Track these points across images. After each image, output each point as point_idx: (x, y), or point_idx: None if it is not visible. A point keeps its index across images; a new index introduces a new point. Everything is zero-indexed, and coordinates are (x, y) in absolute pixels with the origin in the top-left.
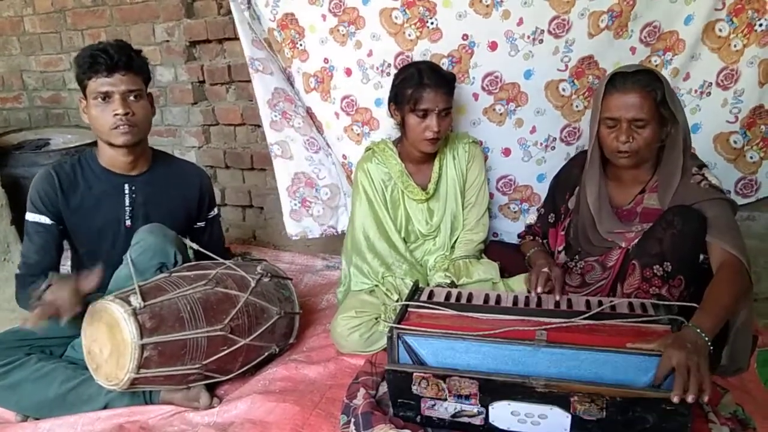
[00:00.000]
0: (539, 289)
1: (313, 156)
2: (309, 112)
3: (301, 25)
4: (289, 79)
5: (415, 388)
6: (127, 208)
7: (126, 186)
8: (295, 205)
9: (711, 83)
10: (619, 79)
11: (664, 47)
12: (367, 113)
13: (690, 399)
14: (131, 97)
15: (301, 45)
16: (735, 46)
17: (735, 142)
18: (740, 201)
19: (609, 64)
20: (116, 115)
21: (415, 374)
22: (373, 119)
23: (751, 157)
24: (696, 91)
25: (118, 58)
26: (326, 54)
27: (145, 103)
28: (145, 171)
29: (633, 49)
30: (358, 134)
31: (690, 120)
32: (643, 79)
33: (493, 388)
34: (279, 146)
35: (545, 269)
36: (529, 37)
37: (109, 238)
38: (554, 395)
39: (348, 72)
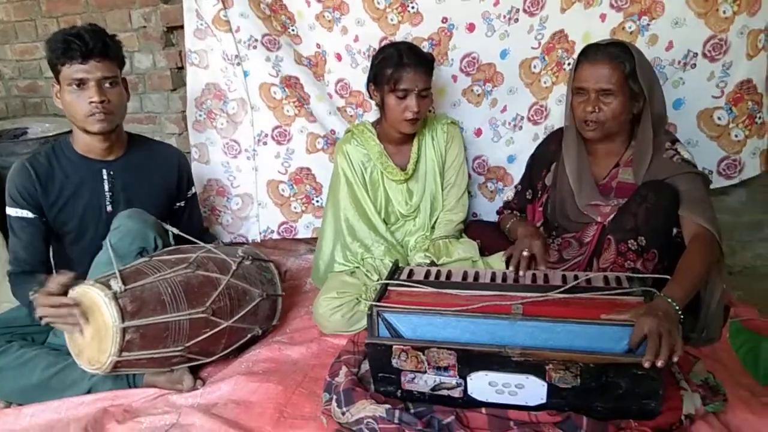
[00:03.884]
0: (521, 273)
1: (230, 161)
2: (293, 82)
3: (291, 11)
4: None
5: (395, 362)
6: (107, 194)
7: (104, 171)
8: (204, 212)
9: (696, 53)
10: (591, 50)
11: (639, 11)
12: (360, 96)
13: (659, 363)
14: (107, 84)
15: (293, 30)
16: (724, 12)
17: (719, 118)
18: (723, 182)
19: (578, 36)
20: (92, 102)
21: (394, 347)
22: (366, 102)
23: (736, 136)
24: (679, 62)
25: (93, 45)
26: (317, 39)
27: (120, 89)
28: (121, 155)
29: (603, 16)
30: (351, 115)
31: (672, 94)
32: (614, 51)
33: (470, 359)
34: (198, 149)
35: (525, 252)
36: (504, 17)
37: (92, 224)
38: (530, 364)
39: (338, 57)
